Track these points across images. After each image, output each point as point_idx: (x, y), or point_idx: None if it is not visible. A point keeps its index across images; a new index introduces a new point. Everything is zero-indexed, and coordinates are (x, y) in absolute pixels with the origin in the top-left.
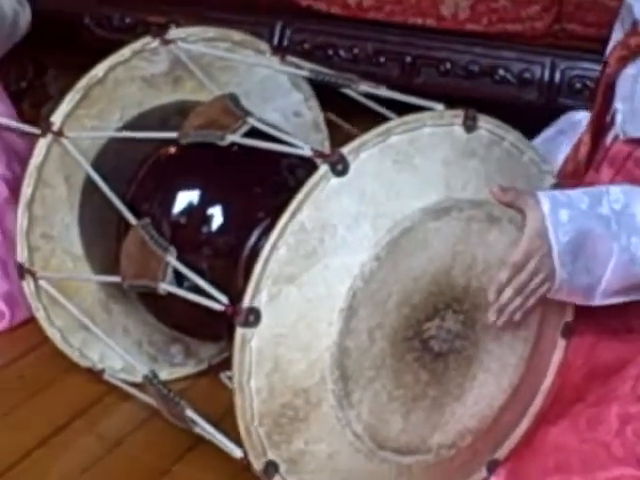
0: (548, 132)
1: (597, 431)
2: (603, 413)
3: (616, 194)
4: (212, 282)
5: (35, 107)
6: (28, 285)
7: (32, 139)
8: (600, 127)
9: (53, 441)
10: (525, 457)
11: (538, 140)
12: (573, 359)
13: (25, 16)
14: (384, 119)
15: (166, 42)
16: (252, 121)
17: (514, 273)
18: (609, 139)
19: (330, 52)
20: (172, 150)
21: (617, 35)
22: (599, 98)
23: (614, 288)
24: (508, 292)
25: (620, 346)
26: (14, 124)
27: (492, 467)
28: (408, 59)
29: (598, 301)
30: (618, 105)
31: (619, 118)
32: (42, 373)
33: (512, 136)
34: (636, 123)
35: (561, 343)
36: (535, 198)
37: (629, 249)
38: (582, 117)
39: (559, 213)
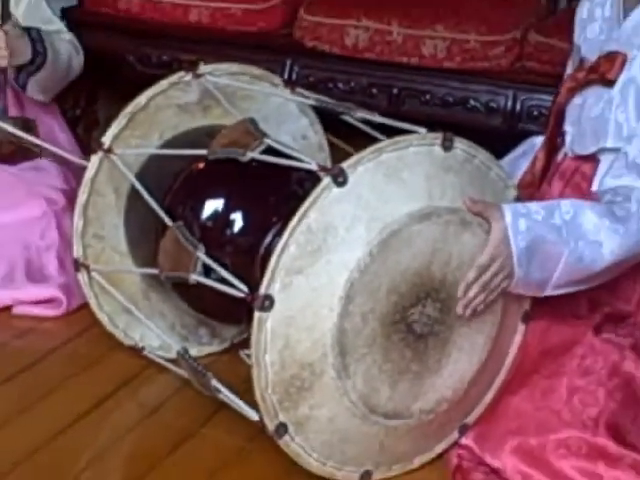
0: (513, 153)
1: (549, 400)
2: (555, 385)
3: (566, 207)
4: (234, 274)
5: (87, 131)
6: (82, 277)
7: (85, 157)
8: (552, 146)
9: (103, 406)
10: (490, 422)
11: (505, 160)
12: (530, 340)
13: (79, 59)
14: (376, 140)
15: (197, 76)
16: (268, 141)
17: (480, 273)
18: (560, 156)
19: (331, 85)
20: (202, 165)
21: (567, 71)
22: (552, 122)
23: (562, 282)
24: (474, 289)
25: (568, 330)
26: (72, 158)
27: (463, 430)
28: (395, 91)
29: (549, 292)
30: (567, 128)
31: (568, 139)
32: (93, 350)
33: (482, 155)
34: (582, 143)
35: (521, 327)
36: (500, 210)
37: (576, 251)
38: (538, 141)
39: (519, 223)
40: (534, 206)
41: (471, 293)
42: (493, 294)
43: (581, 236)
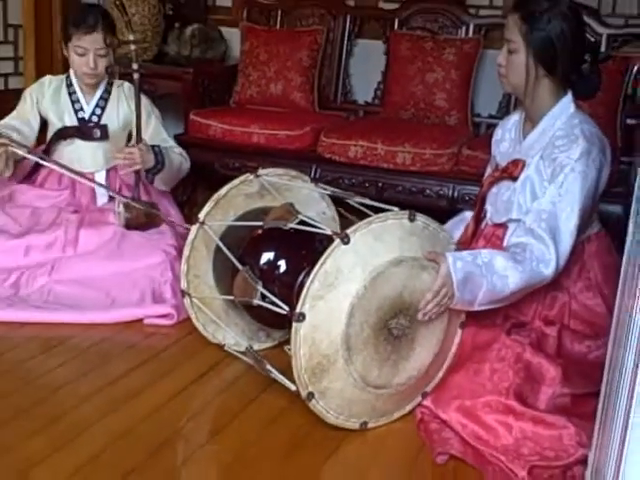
0: (452, 221)
1: (478, 377)
2: (481, 368)
3: (485, 254)
4: (280, 299)
5: (190, 210)
6: (186, 301)
7: (187, 227)
8: (478, 219)
9: (199, 381)
10: (441, 390)
11: (447, 225)
12: (465, 339)
13: (186, 164)
14: (368, 215)
15: (257, 176)
16: (301, 217)
17: (434, 295)
18: (483, 225)
19: (340, 181)
20: (260, 231)
21: (488, 172)
22: (478, 204)
23: (484, 302)
24: (430, 304)
25: (490, 333)
26: (181, 225)
27: (424, 395)
28: (380, 184)
29: (476, 308)
30: (488, 207)
31: (488, 214)
32: (193, 346)
33: (434, 224)
34: (497, 216)
35: (459, 332)
36: (445, 256)
37: (491, 282)
38: (468, 214)
39: (456, 263)
40: (465, 253)
41: (428, 307)
42: (441, 308)
43: (494, 272)
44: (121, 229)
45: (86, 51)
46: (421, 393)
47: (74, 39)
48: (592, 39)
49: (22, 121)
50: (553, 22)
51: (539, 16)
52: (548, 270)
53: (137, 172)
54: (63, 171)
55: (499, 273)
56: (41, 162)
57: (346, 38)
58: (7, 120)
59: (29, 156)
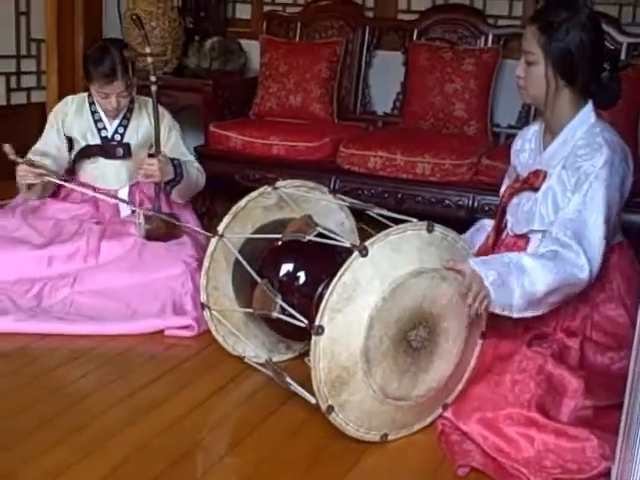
0: (470, 230)
1: (499, 389)
2: (502, 379)
3: (509, 256)
4: (299, 311)
5: (210, 221)
6: (206, 313)
7: (207, 238)
8: (499, 229)
9: (219, 392)
10: (462, 402)
11: (466, 235)
12: (486, 350)
13: (202, 179)
14: (387, 226)
15: (275, 188)
16: (319, 229)
17: (470, 294)
18: (504, 235)
19: (359, 192)
20: (279, 244)
21: (506, 182)
22: (499, 214)
23: (522, 306)
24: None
25: (511, 344)
26: (201, 231)
27: (445, 407)
28: (399, 195)
29: (516, 314)
30: (508, 218)
31: (509, 225)
32: (213, 357)
33: (452, 234)
34: (518, 227)
35: (479, 342)
36: (466, 262)
37: (521, 281)
38: (487, 222)
39: (480, 262)
40: (488, 257)
41: (469, 300)
42: (482, 305)
43: (524, 271)
44: (142, 240)
45: (108, 95)
46: (442, 405)
47: (95, 85)
48: (612, 47)
49: (50, 145)
50: (572, 33)
51: (557, 27)
52: (582, 274)
53: (157, 184)
54: (86, 191)
55: (527, 272)
56: (66, 185)
57: (365, 49)
58: (38, 146)
59: (61, 182)
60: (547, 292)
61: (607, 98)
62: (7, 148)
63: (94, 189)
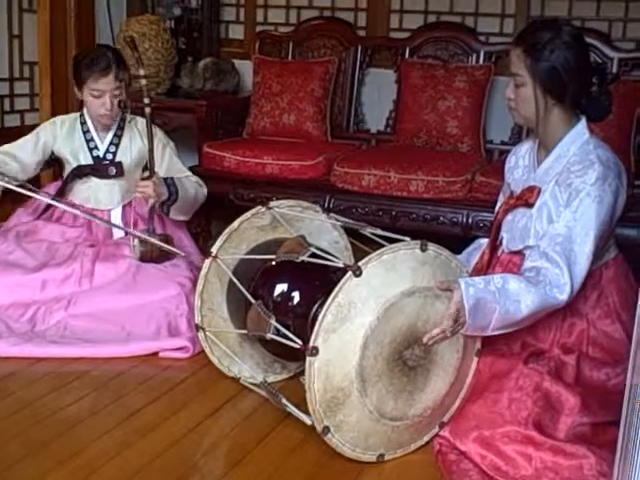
0: (467, 250)
1: (496, 407)
2: (499, 397)
3: (497, 279)
4: (294, 332)
5: (204, 241)
6: (200, 334)
7: (202, 259)
8: (494, 246)
9: (215, 414)
10: (459, 421)
11: (462, 255)
12: (482, 368)
13: (203, 190)
14: (380, 245)
15: (269, 208)
16: (312, 249)
17: (449, 323)
18: (499, 252)
19: (353, 210)
20: (272, 264)
21: (501, 199)
22: (494, 231)
23: (498, 326)
24: (438, 331)
25: (507, 362)
26: (195, 253)
27: (441, 426)
28: (393, 213)
29: (490, 333)
30: (503, 234)
31: (504, 242)
32: (209, 379)
33: (445, 252)
34: (513, 244)
35: (475, 360)
36: (457, 283)
37: (504, 306)
38: (484, 241)
39: (468, 290)
40: (477, 279)
41: (434, 331)
42: (453, 334)
43: (507, 297)
44: (136, 262)
45: (102, 93)
46: (438, 423)
47: (89, 82)
48: (599, 61)
49: (23, 153)
50: (556, 52)
51: (542, 48)
52: (562, 295)
53: (151, 205)
54: (75, 212)
55: (512, 298)
56: (52, 203)
57: (357, 68)
58: (7, 148)
59: (21, 190)
60: (526, 316)
61: (598, 111)
62: None
63: (80, 209)
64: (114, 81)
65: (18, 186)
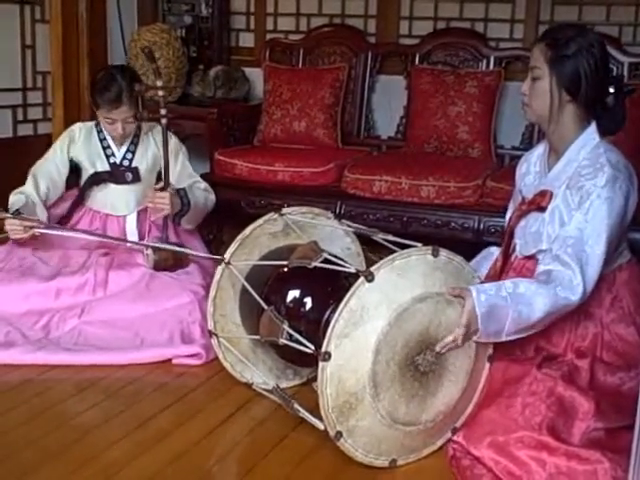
0: (477, 257)
1: (510, 412)
2: (513, 402)
3: (508, 284)
4: (306, 337)
5: (216, 248)
6: (214, 341)
7: (215, 265)
8: (507, 252)
9: (229, 420)
10: (472, 426)
11: (473, 262)
12: (495, 374)
13: (211, 198)
14: (392, 251)
15: (281, 214)
16: (325, 255)
17: (463, 331)
18: (512, 258)
19: (365, 216)
20: (285, 270)
21: (511, 206)
22: (506, 237)
23: (512, 331)
24: (452, 338)
25: (520, 367)
26: (209, 256)
27: (454, 431)
28: (405, 219)
29: (504, 338)
30: (517, 240)
31: (517, 247)
32: (222, 385)
33: (457, 258)
34: (526, 249)
35: (487, 365)
36: (469, 290)
37: (517, 310)
38: (494, 250)
39: (480, 297)
40: (489, 285)
41: (448, 340)
42: (466, 341)
43: (519, 301)
44: (150, 270)
45: (114, 122)
46: (451, 428)
47: (102, 111)
48: (614, 68)
49: (51, 170)
50: (578, 49)
51: (565, 43)
52: (575, 296)
53: (166, 216)
54: (85, 236)
55: (524, 301)
56: (55, 233)
57: (368, 74)
58: (38, 168)
59: (51, 232)
60: (539, 319)
61: (612, 122)
62: None
63: (90, 233)
64: (127, 111)
65: (46, 227)
